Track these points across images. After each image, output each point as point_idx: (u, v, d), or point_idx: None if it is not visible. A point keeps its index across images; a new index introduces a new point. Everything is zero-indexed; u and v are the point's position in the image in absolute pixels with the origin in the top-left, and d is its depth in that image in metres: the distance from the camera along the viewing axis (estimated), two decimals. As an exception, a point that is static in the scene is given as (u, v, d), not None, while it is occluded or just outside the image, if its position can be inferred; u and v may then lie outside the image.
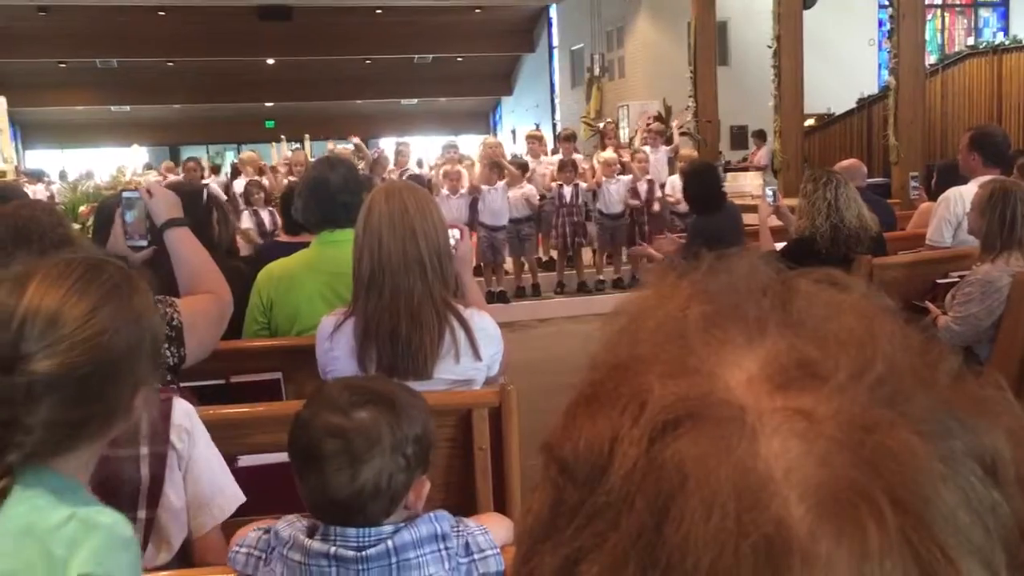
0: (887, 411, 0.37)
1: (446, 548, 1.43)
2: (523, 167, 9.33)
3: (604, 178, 9.14)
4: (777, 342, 0.40)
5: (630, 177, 9.21)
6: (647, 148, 10.20)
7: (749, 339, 0.41)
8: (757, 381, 0.39)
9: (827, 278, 0.45)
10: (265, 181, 9.30)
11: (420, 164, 11.98)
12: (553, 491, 0.41)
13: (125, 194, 2.90)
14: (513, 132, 12.01)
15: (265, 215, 8.28)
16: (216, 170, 14.11)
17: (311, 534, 1.42)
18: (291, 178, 8.94)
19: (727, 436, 0.37)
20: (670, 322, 0.43)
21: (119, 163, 15.54)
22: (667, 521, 0.35)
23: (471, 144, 12.63)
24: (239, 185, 9.53)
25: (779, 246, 4.70)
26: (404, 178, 9.21)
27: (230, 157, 15.41)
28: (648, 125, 11.44)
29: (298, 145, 13.40)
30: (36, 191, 11.23)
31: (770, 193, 5.34)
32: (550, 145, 12.27)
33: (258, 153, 11.32)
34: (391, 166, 10.09)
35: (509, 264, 9.24)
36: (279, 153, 12.47)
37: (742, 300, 0.43)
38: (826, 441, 0.36)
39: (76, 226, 6.11)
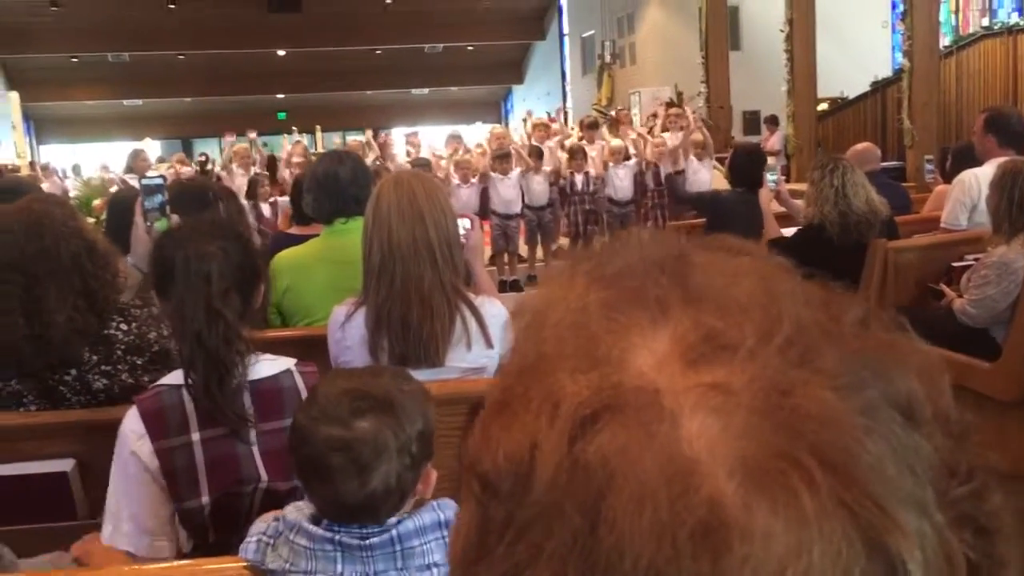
0: (800, 371, 0.36)
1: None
2: (539, 153, 9.27)
3: (612, 164, 9.04)
4: (681, 319, 0.39)
5: (635, 161, 9.14)
6: (666, 134, 10.13)
7: (653, 320, 0.39)
8: (667, 361, 0.37)
9: (720, 245, 0.44)
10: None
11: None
12: (478, 510, 0.39)
13: (144, 181, 2.88)
14: (525, 119, 11.99)
15: (266, 208, 8.05)
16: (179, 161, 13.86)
17: (316, 520, 1.43)
18: (294, 170, 8.90)
19: (646, 423, 0.35)
20: (571, 314, 0.41)
21: (103, 162, 14.87)
22: (600, 522, 0.34)
23: (483, 134, 12.58)
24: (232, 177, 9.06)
25: (788, 231, 4.66)
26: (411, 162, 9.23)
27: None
28: (669, 111, 11.37)
29: (298, 137, 13.33)
30: (52, 185, 11.29)
31: (772, 179, 5.31)
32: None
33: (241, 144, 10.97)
34: (405, 157, 10.08)
35: (524, 251, 9.21)
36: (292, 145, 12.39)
37: (640, 281, 0.41)
38: (745, 412, 0.35)
39: (90, 220, 6.13)
